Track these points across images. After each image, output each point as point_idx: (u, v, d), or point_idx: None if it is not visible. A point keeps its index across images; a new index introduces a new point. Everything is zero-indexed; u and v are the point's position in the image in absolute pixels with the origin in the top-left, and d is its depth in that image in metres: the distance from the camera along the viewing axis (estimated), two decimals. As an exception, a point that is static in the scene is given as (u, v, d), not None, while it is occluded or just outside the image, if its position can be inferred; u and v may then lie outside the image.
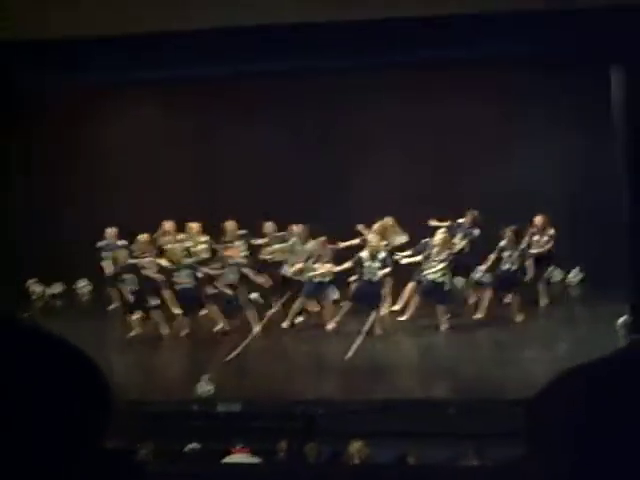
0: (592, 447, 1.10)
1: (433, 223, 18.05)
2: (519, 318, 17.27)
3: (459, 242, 18.05)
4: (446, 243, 17.29)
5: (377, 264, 17.10)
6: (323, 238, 17.67)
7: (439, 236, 17.34)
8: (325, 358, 16.66)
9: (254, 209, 18.74)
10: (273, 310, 18.54)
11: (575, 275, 19.09)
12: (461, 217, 18.34)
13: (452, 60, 16.80)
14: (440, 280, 17.12)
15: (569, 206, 18.62)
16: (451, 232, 17.88)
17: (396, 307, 18.00)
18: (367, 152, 19.79)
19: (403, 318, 17.72)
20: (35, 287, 20.65)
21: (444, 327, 17.10)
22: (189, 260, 17.81)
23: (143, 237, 18.43)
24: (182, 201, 19.66)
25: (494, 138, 19.22)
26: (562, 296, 18.62)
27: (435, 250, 17.17)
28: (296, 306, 17.74)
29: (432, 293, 17.17)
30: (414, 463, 11.01)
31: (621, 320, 15.42)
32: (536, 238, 17.85)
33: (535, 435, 1.24)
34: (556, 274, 18.92)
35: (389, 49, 15.24)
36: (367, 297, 17.05)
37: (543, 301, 18.07)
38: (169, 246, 18.22)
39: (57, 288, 20.70)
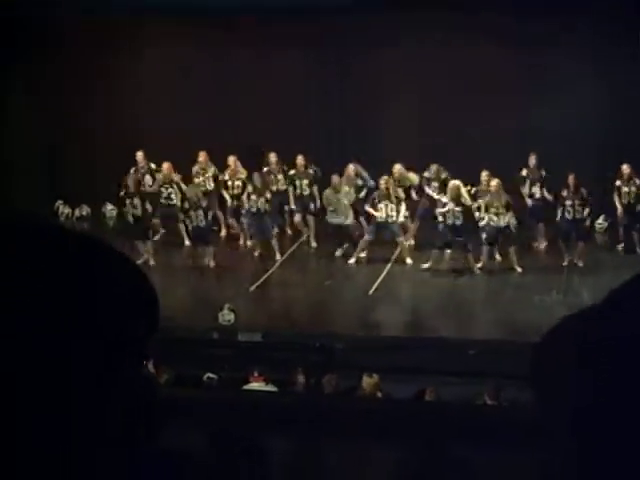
0: (597, 392, 1.10)
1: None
2: (581, 263, 17.26)
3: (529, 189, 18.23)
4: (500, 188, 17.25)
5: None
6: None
7: (494, 182, 17.26)
8: (348, 292, 16.72)
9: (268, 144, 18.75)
10: (301, 240, 18.63)
11: (602, 222, 18.94)
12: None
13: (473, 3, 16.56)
14: (502, 224, 17.15)
15: (594, 154, 18.33)
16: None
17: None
18: (384, 96, 19.50)
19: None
20: (63, 208, 20.81)
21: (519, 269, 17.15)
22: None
23: (166, 165, 18.59)
24: (200, 134, 19.55)
25: (512, 87, 18.90)
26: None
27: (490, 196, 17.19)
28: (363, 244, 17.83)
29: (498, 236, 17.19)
30: (431, 399, 11.09)
31: None
32: (625, 189, 17.75)
33: (540, 379, 1.24)
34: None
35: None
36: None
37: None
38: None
39: (84, 210, 20.83)
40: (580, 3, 17.17)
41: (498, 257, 17.44)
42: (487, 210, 17.13)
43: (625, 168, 17.61)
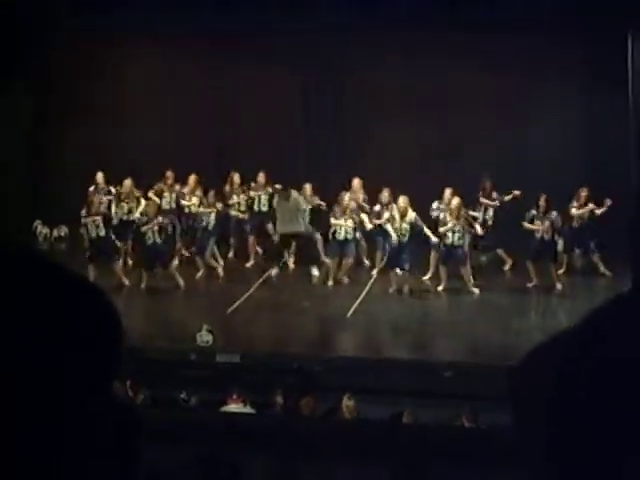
0: (575, 415, 1.11)
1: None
2: (559, 286, 17.28)
3: (482, 214, 18.23)
4: (460, 208, 17.31)
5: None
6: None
7: (454, 201, 17.35)
8: (326, 315, 16.70)
9: (258, 163, 18.78)
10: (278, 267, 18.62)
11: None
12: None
13: (469, 23, 16.73)
14: (458, 243, 17.19)
15: (583, 175, 18.45)
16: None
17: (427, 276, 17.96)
18: (380, 116, 19.61)
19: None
20: (41, 229, 20.74)
21: (476, 291, 17.15)
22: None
23: (127, 182, 18.68)
24: (187, 151, 19.59)
25: (509, 106, 19.04)
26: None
27: (449, 215, 17.24)
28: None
29: (451, 256, 17.24)
30: (408, 422, 11.07)
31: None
32: (578, 212, 17.88)
33: (518, 402, 1.25)
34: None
35: (404, 7, 15.16)
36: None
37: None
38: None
39: (62, 231, 20.75)
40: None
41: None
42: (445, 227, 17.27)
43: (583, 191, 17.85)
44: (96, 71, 20.25)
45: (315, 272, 18.00)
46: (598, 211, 17.68)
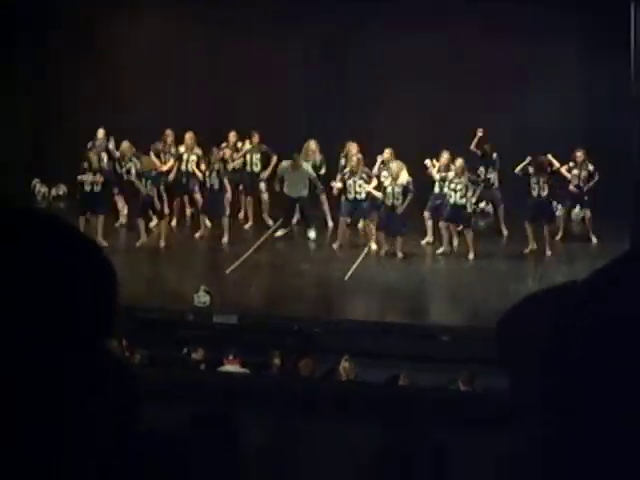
0: (561, 370, 1.11)
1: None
2: (549, 252, 17.32)
3: (483, 174, 18.14)
4: (463, 168, 17.29)
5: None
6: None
7: (458, 162, 17.31)
8: (325, 277, 16.72)
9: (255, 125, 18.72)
10: (277, 226, 18.63)
11: (578, 212, 18.96)
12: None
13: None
14: (461, 203, 17.17)
15: (575, 142, 18.45)
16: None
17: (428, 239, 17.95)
18: (384, 81, 19.52)
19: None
20: (40, 187, 20.70)
21: (472, 255, 17.13)
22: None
23: (125, 144, 18.64)
24: (187, 111, 19.54)
25: (510, 73, 18.97)
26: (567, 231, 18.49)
27: (453, 175, 17.22)
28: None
29: (456, 216, 17.22)
30: (405, 384, 11.12)
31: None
32: (575, 172, 17.86)
33: (504, 358, 1.24)
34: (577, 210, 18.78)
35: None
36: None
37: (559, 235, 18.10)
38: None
39: (61, 189, 20.72)
40: None
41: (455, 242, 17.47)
42: (449, 187, 17.24)
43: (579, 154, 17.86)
44: (95, 29, 20.15)
45: (312, 234, 18.04)
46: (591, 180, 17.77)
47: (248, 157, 18.97)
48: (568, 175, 17.84)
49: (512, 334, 1.22)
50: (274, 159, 18.67)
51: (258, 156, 18.91)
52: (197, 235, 18.05)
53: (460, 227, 17.27)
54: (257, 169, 18.96)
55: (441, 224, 17.27)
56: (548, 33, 18.63)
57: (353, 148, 18.14)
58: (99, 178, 17.97)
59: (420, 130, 18.79)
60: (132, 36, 20.64)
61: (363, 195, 17.51)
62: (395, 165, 17.32)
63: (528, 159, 17.50)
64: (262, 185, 18.79)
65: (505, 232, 18.23)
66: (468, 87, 18.88)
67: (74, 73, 20.19)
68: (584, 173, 17.90)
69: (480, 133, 18.33)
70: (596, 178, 17.77)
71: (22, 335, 1.17)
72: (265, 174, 18.76)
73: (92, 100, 20.08)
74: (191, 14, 20.13)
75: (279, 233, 18.18)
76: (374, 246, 17.35)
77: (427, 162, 17.60)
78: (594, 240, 17.71)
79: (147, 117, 19.48)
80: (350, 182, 17.56)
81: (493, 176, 18.26)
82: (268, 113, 19.05)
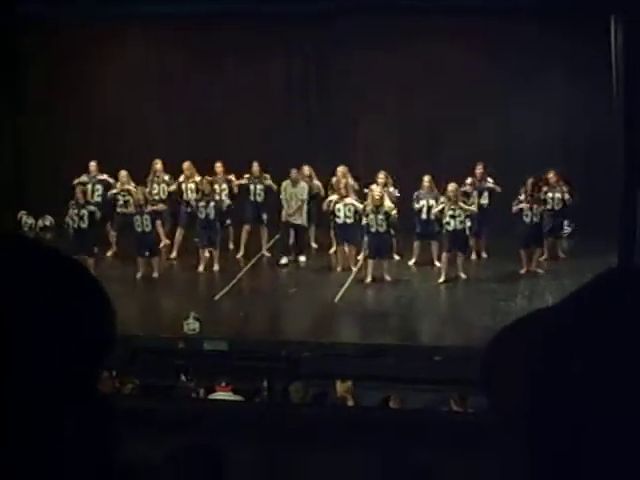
0: (548, 395, 1.12)
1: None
2: (541, 271, 17.39)
3: (476, 200, 18.12)
4: (457, 193, 17.30)
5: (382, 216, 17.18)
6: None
7: (451, 187, 17.30)
8: (314, 301, 16.72)
9: (247, 152, 18.70)
10: (264, 251, 18.64)
11: (566, 228, 19.02)
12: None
13: (450, 8, 16.77)
14: (460, 228, 17.19)
15: (560, 159, 18.54)
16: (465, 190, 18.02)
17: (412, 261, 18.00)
18: (364, 102, 19.60)
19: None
20: (26, 219, 20.66)
21: (464, 276, 17.15)
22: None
23: (123, 173, 18.54)
24: (172, 141, 19.57)
25: (489, 90, 19.06)
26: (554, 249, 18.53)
27: (448, 201, 17.23)
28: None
29: (457, 243, 17.21)
30: (396, 407, 11.10)
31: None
32: (550, 195, 17.95)
33: (490, 384, 1.25)
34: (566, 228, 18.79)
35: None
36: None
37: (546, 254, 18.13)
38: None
39: (47, 221, 20.69)
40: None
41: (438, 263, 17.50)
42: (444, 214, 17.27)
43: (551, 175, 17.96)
44: (84, 59, 20.18)
45: (302, 259, 18.15)
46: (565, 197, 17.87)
47: (252, 187, 18.77)
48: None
49: (498, 358, 1.23)
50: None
51: (261, 187, 18.69)
52: (200, 268, 17.92)
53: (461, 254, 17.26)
54: (260, 199, 18.71)
55: (444, 255, 17.23)
56: (530, 51, 18.73)
57: (341, 172, 18.17)
58: (92, 211, 17.82)
59: (403, 150, 18.88)
60: (116, 66, 20.65)
61: (352, 219, 17.50)
62: (377, 191, 17.35)
63: (521, 199, 17.51)
64: (264, 216, 18.58)
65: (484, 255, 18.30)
66: (449, 105, 18.98)
67: (58, 103, 20.19)
68: (558, 194, 17.98)
69: (480, 170, 18.23)
70: (568, 198, 17.84)
71: (17, 364, 1.17)
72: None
73: (76, 131, 20.10)
74: (174, 41, 20.19)
75: (283, 261, 18.18)
76: (354, 269, 17.38)
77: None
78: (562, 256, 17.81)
79: (132, 147, 19.50)
80: (339, 206, 17.58)
81: (485, 202, 18.27)
82: (254, 139, 19.10)
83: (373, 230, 17.14)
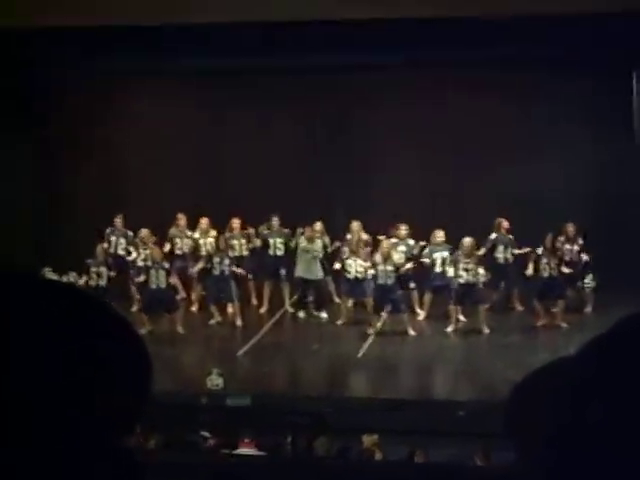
0: (572, 442, 1.13)
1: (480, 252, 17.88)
2: (564, 325, 17.31)
3: (502, 253, 18.11)
4: (473, 247, 17.32)
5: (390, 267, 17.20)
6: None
7: (467, 240, 17.33)
8: (337, 355, 16.68)
9: (263, 205, 18.77)
10: (287, 306, 18.64)
11: (589, 282, 18.90)
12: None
13: (472, 61, 16.87)
14: (473, 281, 17.17)
15: (581, 212, 18.49)
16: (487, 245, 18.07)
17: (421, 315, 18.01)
18: (381, 154, 19.69)
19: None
20: (50, 275, 20.72)
21: (486, 329, 17.12)
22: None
23: (144, 231, 18.61)
24: (190, 195, 19.67)
25: (511, 143, 19.08)
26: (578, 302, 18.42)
27: (462, 254, 17.23)
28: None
29: (468, 295, 17.18)
30: (421, 461, 11.03)
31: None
32: (568, 247, 17.90)
33: (515, 434, 1.26)
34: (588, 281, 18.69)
35: (402, 48, 15.31)
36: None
37: (586, 307, 18.07)
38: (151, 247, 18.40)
39: (71, 277, 20.75)
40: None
41: (462, 317, 17.47)
42: (456, 267, 17.23)
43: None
44: (98, 115, 20.38)
45: (324, 315, 18.11)
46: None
47: (271, 241, 18.80)
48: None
49: (521, 407, 1.25)
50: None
51: (281, 240, 18.74)
52: (212, 321, 17.96)
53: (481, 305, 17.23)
54: (280, 253, 18.74)
55: (451, 307, 17.26)
56: (549, 98, 18.80)
57: (355, 227, 18.22)
58: (110, 269, 17.92)
59: (419, 205, 18.92)
60: (133, 122, 20.82)
61: (363, 275, 17.46)
62: (385, 244, 17.38)
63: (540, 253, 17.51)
64: (282, 271, 18.59)
65: (519, 308, 18.27)
66: (467, 156, 19.03)
67: (76, 161, 20.36)
68: (576, 247, 17.93)
69: (506, 225, 18.24)
70: (586, 253, 17.78)
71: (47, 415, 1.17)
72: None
73: (95, 186, 20.26)
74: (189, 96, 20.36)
75: (300, 315, 18.19)
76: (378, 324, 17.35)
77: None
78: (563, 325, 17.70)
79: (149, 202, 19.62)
80: (350, 262, 17.59)
81: (509, 256, 18.24)
82: (268, 195, 19.16)
83: (381, 282, 17.12)
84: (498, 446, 10.70)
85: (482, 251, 17.88)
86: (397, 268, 17.20)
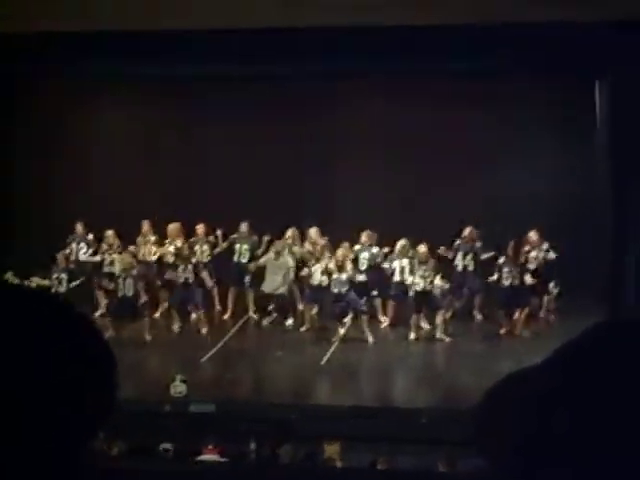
0: (539, 450, 1.13)
1: (441, 252, 17.89)
2: (526, 333, 17.35)
3: (461, 260, 18.16)
4: (427, 255, 17.36)
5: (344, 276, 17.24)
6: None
7: (422, 248, 17.37)
8: (301, 362, 16.68)
9: (234, 212, 18.71)
10: (250, 313, 18.60)
11: (552, 289, 18.99)
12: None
13: (438, 69, 16.95)
14: (429, 288, 17.20)
15: (545, 219, 18.58)
16: (452, 252, 18.10)
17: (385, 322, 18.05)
18: (351, 159, 19.72)
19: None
20: (13, 280, 20.55)
21: (446, 338, 17.16)
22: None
23: (109, 233, 18.51)
24: (162, 201, 19.58)
25: (476, 151, 19.16)
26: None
27: (418, 261, 17.28)
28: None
29: (425, 302, 17.20)
30: (384, 468, 11.04)
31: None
32: (533, 254, 17.95)
33: (483, 441, 1.27)
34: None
35: (369, 56, 15.36)
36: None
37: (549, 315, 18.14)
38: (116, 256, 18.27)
39: (33, 282, 20.58)
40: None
41: (425, 325, 17.51)
42: (413, 275, 17.28)
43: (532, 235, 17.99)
44: (69, 121, 20.27)
45: (289, 322, 18.09)
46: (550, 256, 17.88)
47: (237, 247, 18.64)
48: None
49: (490, 415, 1.25)
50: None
51: (247, 247, 18.57)
52: (175, 327, 17.89)
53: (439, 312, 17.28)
54: (244, 260, 18.55)
55: (414, 317, 17.31)
56: (515, 106, 18.93)
57: (312, 233, 18.19)
58: (71, 274, 17.82)
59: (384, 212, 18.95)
60: (99, 127, 20.73)
61: (326, 282, 17.44)
62: (340, 253, 17.38)
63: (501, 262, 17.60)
64: (247, 278, 18.40)
65: (479, 317, 18.32)
66: (435, 163, 19.10)
67: (43, 165, 20.23)
68: (541, 254, 18.01)
69: (467, 232, 18.27)
70: (551, 257, 17.87)
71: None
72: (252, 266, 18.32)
73: (62, 192, 20.13)
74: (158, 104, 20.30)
75: (265, 322, 18.14)
76: (341, 331, 17.32)
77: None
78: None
79: (120, 209, 19.51)
80: (313, 269, 17.58)
81: (469, 263, 18.28)
82: (240, 201, 19.13)
83: (335, 291, 17.11)
84: (460, 453, 10.76)
85: (450, 255, 17.98)
86: (351, 279, 17.19)
